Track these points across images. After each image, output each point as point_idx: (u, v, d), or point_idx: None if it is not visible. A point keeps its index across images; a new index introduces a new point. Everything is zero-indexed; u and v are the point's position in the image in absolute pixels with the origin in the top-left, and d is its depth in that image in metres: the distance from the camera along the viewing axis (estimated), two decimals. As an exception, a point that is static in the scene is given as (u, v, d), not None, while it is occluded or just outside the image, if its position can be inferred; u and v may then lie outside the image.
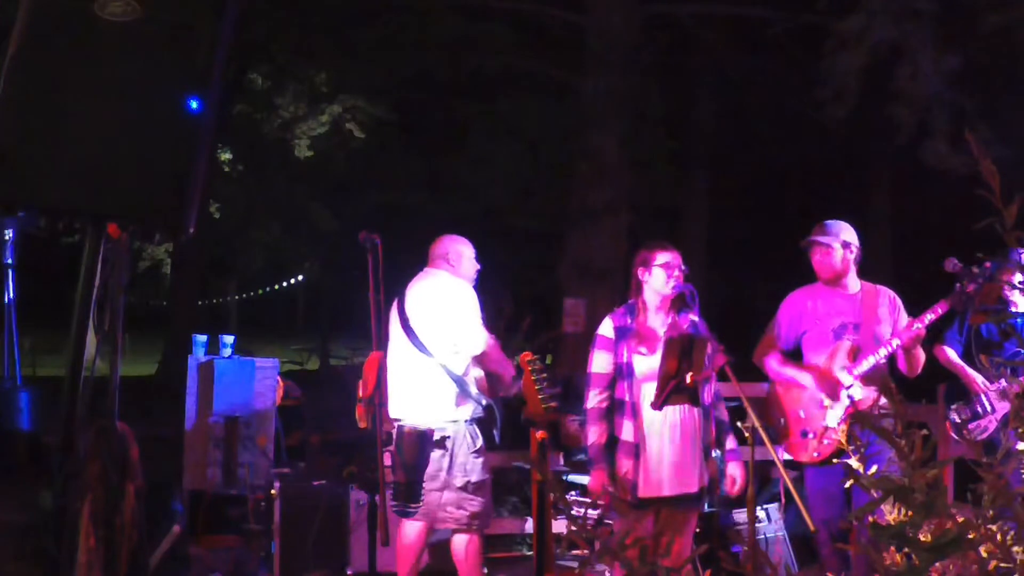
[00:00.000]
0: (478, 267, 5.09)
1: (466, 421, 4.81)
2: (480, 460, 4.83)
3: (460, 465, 4.76)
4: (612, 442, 4.33)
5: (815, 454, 4.53)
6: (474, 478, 4.78)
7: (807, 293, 4.81)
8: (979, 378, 5.52)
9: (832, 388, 4.53)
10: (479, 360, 4.87)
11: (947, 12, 9.73)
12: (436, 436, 4.75)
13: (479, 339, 4.80)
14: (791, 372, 4.70)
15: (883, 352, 4.47)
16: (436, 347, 4.78)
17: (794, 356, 4.81)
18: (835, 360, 4.56)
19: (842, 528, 4.35)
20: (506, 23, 13.32)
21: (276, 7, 13.38)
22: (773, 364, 4.78)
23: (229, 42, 2.41)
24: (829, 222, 4.80)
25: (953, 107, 10.03)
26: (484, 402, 4.84)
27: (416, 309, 4.87)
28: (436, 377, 4.77)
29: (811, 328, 4.71)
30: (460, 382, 4.78)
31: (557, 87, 14.38)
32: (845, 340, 4.58)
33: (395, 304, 4.98)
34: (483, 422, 4.91)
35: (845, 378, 4.50)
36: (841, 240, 4.70)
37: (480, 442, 4.85)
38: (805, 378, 4.62)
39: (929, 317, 4.41)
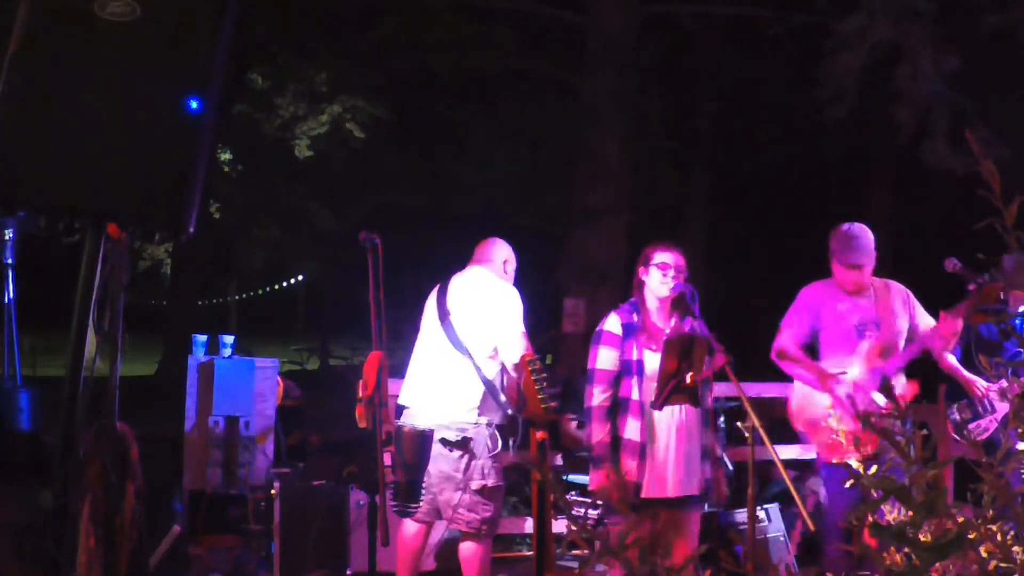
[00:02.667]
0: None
1: (487, 424, 4.74)
2: (497, 465, 4.76)
3: (479, 467, 4.68)
4: (615, 441, 4.28)
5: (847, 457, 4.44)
6: (490, 483, 4.70)
7: (825, 288, 4.77)
8: (980, 382, 5.51)
9: (860, 395, 4.47)
10: (514, 371, 4.73)
11: (947, 12, 9.73)
12: (457, 437, 4.66)
13: (519, 348, 4.64)
14: (812, 376, 4.64)
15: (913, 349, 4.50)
16: (474, 346, 4.70)
17: (808, 351, 4.77)
18: (867, 361, 4.51)
19: (843, 528, 4.34)
20: (506, 23, 13.33)
21: (276, 7, 13.39)
22: (794, 365, 4.72)
23: (229, 42, 2.41)
24: (858, 235, 4.70)
25: (953, 107, 10.04)
26: (509, 411, 4.75)
27: (460, 304, 4.79)
28: (467, 376, 4.69)
29: (830, 326, 4.67)
30: (490, 386, 4.69)
31: (557, 87, 14.39)
32: (869, 340, 4.54)
33: (434, 295, 4.90)
34: (503, 430, 4.84)
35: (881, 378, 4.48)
36: (873, 256, 4.69)
37: (499, 447, 4.77)
38: (836, 388, 4.54)
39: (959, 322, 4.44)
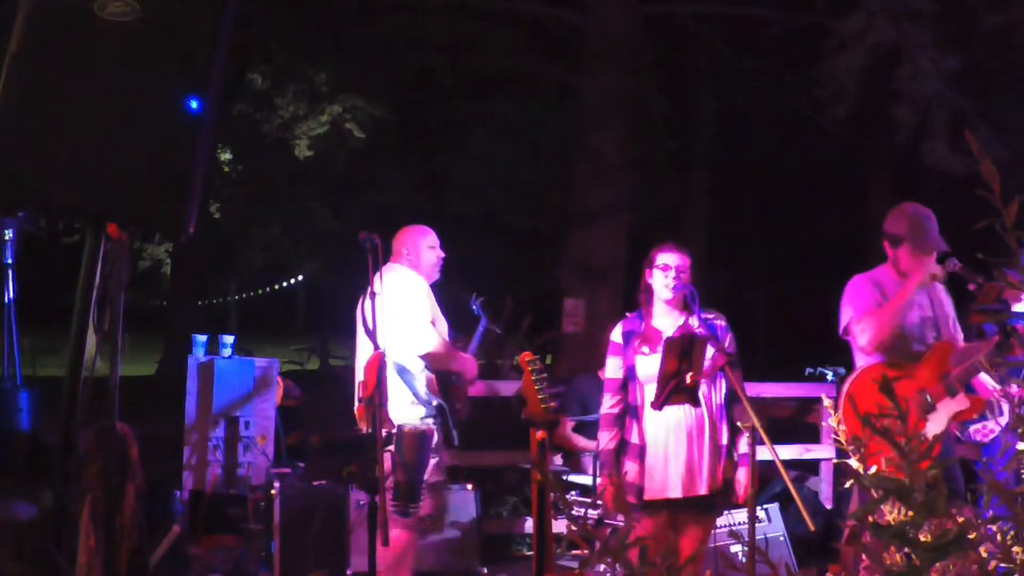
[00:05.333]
0: (441, 255, 4.96)
1: (421, 419, 4.70)
2: (434, 461, 4.70)
3: None
4: (623, 445, 4.30)
5: None
6: (430, 480, 4.66)
7: (875, 281, 4.41)
8: (988, 381, 5.47)
9: (937, 393, 4.24)
10: (429, 361, 4.71)
11: (947, 12, 9.73)
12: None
13: (425, 338, 4.63)
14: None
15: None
16: (390, 347, 4.61)
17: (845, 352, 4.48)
18: (937, 365, 4.26)
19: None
20: (506, 23, 13.33)
21: (276, 7, 13.39)
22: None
23: (229, 42, 2.41)
24: (930, 215, 4.34)
25: (953, 107, 10.03)
26: (435, 403, 4.73)
27: (370, 309, 4.79)
28: (392, 378, 4.63)
29: None
30: (408, 382, 4.67)
31: (557, 87, 14.40)
32: (940, 343, 4.29)
33: (359, 302, 4.91)
34: (439, 424, 4.78)
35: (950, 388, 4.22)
36: None
37: (436, 441, 4.71)
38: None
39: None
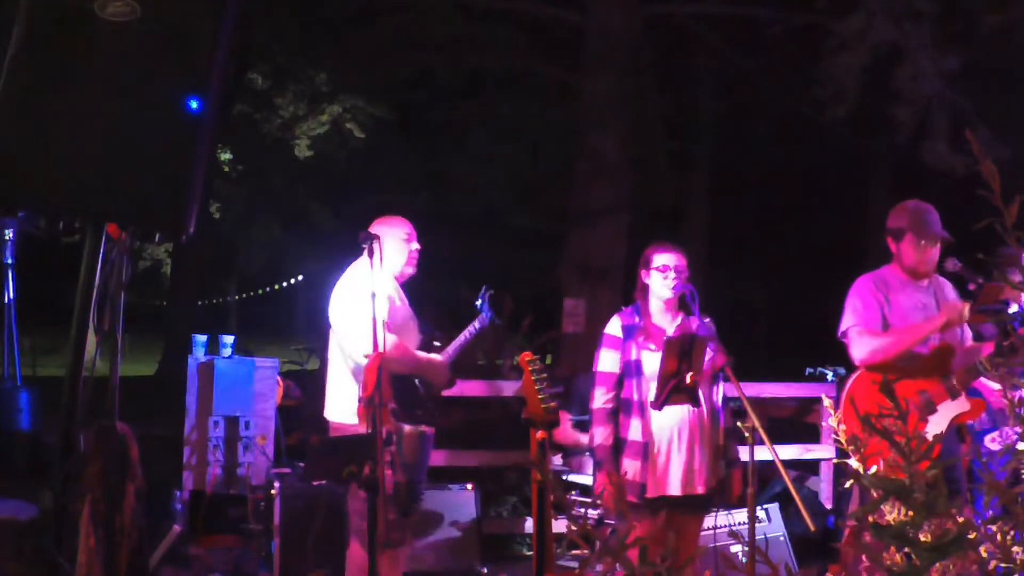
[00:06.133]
0: (415, 248, 4.68)
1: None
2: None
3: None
4: (618, 443, 4.27)
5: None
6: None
7: (879, 282, 4.36)
8: (993, 386, 5.44)
9: (938, 394, 4.20)
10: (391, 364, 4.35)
11: (947, 12, 9.74)
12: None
13: (357, 341, 4.34)
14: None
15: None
16: (343, 349, 4.54)
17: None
18: (939, 367, 4.21)
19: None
20: (506, 23, 13.35)
21: (276, 7, 13.40)
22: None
23: (229, 42, 2.41)
24: (931, 208, 4.33)
25: (953, 107, 10.03)
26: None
27: (331, 304, 4.65)
28: (344, 376, 4.56)
29: (897, 323, 4.29)
30: (360, 383, 4.42)
31: (557, 87, 14.41)
32: (942, 345, 4.23)
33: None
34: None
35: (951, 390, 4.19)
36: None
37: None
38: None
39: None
